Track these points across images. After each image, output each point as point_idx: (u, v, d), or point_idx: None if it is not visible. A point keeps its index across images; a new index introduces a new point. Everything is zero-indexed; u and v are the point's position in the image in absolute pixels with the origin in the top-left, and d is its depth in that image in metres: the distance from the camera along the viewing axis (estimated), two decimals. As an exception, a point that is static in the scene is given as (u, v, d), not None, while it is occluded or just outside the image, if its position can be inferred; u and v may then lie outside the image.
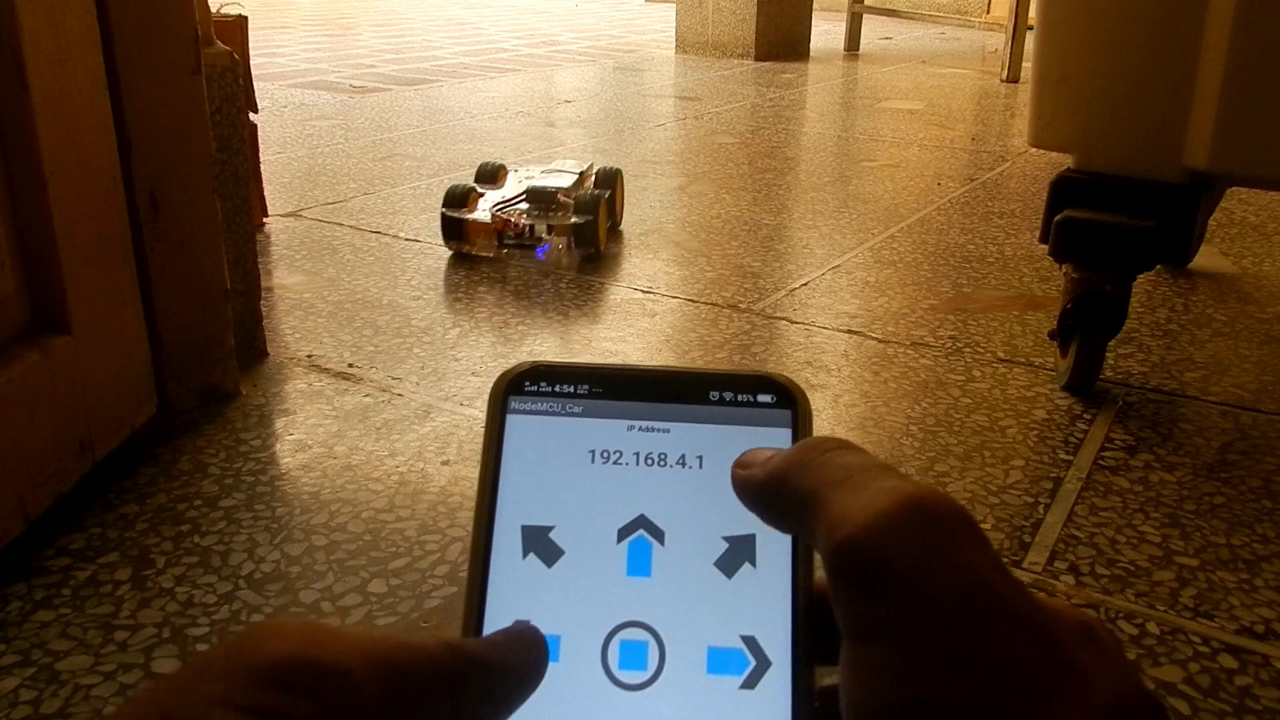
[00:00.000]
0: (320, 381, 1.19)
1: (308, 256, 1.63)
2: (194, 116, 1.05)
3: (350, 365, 1.24)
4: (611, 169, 1.79)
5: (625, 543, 0.26)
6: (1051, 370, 1.26)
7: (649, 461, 0.27)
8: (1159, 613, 0.82)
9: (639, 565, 0.26)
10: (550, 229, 1.59)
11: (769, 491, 0.24)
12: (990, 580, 0.20)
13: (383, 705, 0.21)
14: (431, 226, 1.80)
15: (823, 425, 1.12)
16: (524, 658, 0.24)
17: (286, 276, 1.53)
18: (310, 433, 1.07)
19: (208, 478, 0.98)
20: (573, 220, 1.57)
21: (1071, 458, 1.06)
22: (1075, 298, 1.15)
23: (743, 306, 1.45)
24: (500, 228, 1.60)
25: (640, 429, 0.28)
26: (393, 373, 1.22)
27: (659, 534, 0.26)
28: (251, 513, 0.93)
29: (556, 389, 0.28)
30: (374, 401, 1.14)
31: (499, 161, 1.84)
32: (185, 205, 1.05)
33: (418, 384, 1.19)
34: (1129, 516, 0.95)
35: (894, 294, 1.53)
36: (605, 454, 0.27)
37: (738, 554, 0.26)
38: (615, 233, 1.79)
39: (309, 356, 1.26)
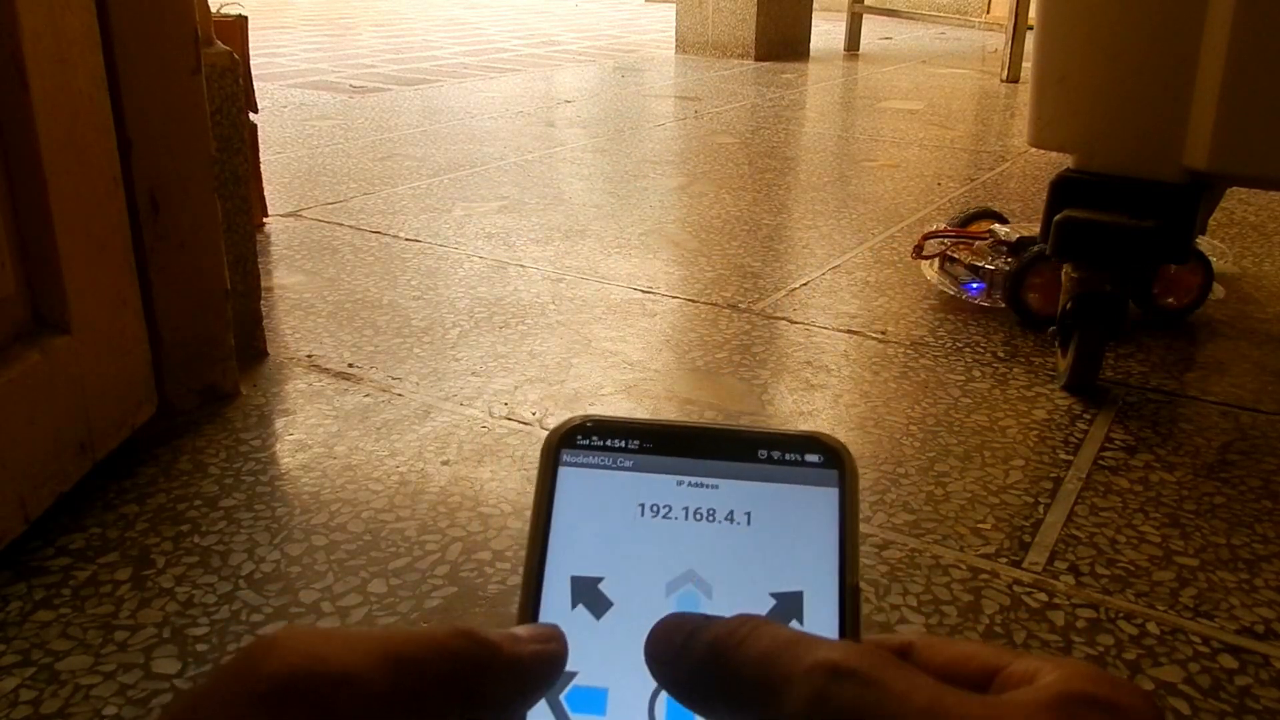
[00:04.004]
0: (320, 381, 1.19)
1: (308, 256, 1.63)
2: (194, 116, 1.05)
3: (350, 365, 1.24)
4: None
5: (674, 596, 0.26)
6: (1051, 370, 1.26)
7: (698, 517, 0.27)
8: (1159, 613, 0.82)
9: None
10: (993, 273, 1.45)
11: (707, 665, 0.23)
12: (939, 699, 0.20)
13: (395, 703, 0.21)
14: (431, 226, 1.80)
15: (823, 425, 1.12)
16: (543, 647, 0.24)
17: (286, 276, 1.53)
18: (310, 433, 1.07)
19: (208, 478, 0.98)
20: (1003, 269, 1.43)
21: (1071, 458, 1.06)
22: (1075, 298, 1.15)
23: (743, 306, 1.45)
24: (944, 252, 1.53)
25: (690, 484, 0.28)
26: (393, 373, 1.22)
27: (707, 589, 0.27)
28: (251, 513, 0.93)
29: (608, 443, 0.28)
30: (374, 401, 1.14)
31: None
32: (185, 205, 1.06)
33: (418, 384, 1.19)
34: (1129, 516, 0.95)
35: (894, 294, 1.53)
36: (655, 508, 0.28)
37: (785, 610, 0.26)
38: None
39: (309, 356, 1.26)
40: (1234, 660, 0.77)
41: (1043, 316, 1.37)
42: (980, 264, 1.47)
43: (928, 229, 1.61)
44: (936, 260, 1.55)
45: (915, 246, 1.56)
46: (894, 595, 0.83)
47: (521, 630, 0.25)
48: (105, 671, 0.73)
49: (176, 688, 0.72)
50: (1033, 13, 1.48)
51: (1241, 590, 0.85)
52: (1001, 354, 1.31)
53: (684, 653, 0.23)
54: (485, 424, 1.10)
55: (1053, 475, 1.02)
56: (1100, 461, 1.05)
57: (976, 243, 1.52)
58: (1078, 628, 0.80)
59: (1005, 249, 1.46)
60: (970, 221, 1.60)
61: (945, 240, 1.54)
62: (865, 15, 4.77)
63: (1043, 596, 0.84)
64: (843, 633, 0.26)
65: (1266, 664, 0.77)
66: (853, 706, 0.20)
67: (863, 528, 0.92)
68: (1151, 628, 0.80)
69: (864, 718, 0.20)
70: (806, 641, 0.22)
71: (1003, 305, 1.43)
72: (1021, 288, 1.39)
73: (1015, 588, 0.85)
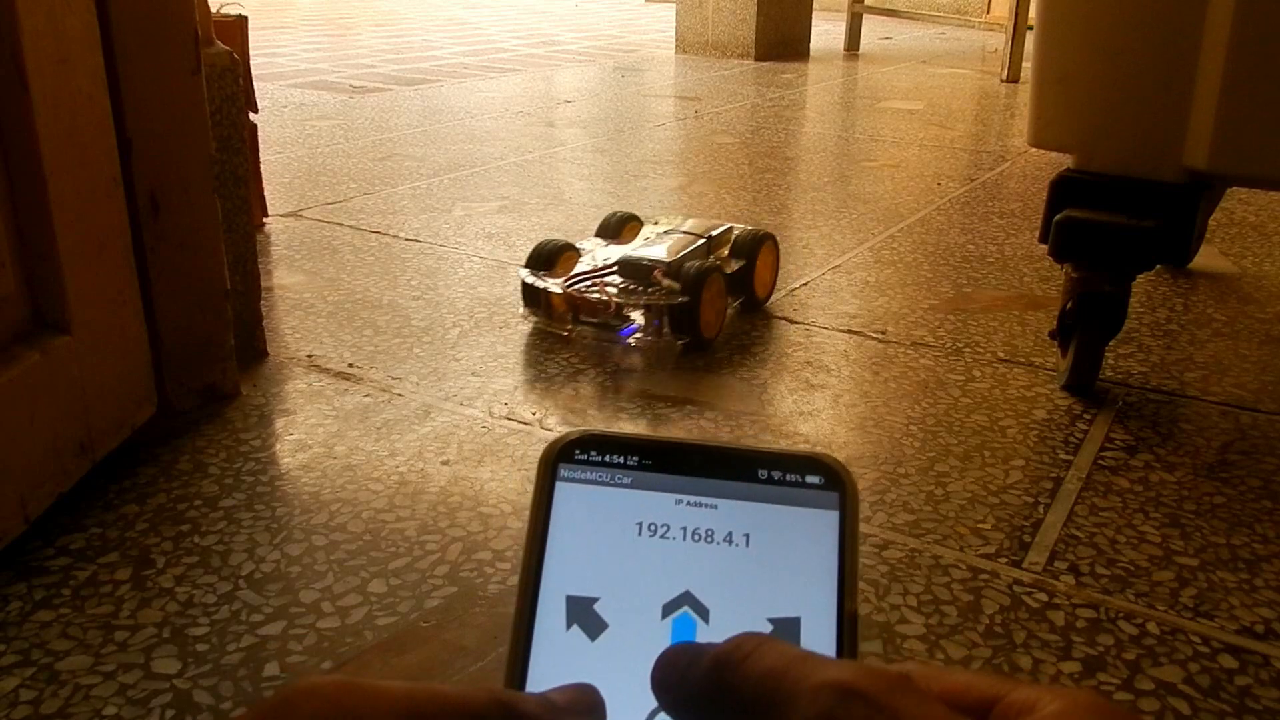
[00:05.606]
0: (320, 381, 1.19)
1: (308, 256, 1.63)
2: (194, 116, 1.05)
3: (350, 365, 1.24)
4: (759, 234, 1.43)
5: (670, 619, 0.26)
6: (1051, 370, 1.26)
7: (695, 537, 0.27)
8: (1159, 613, 0.82)
9: None
10: (645, 308, 1.29)
11: (712, 682, 0.23)
12: None
13: None
14: (431, 226, 1.80)
15: (823, 425, 1.12)
16: None
17: (286, 276, 1.53)
18: (310, 433, 1.07)
19: (208, 478, 0.98)
20: (669, 300, 1.26)
21: (1071, 458, 1.06)
22: (1075, 298, 1.15)
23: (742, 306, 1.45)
24: (576, 304, 1.31)
25: (688, 504, 0.27)
26: (393, 373, 1.22)
27: (704, 612, 0.26)
28: (251, 513, 0.93)
29: (606, 459, 0.28)
30: (374, 401, 1.14)
31: (628, 212, 1.53)
32: (185, 205, 1.05)
33: (418, 384, 1.19)
34: (1129, 516, 0.95)
35: (894, 294, 1.53)
36: (653, 527, 0.27)
37: (782, 636, 0.26)
38: (756, 310, 1.44)
39: (309, 356, 1.26)
40: (1234, 660, 0.77)
41: None
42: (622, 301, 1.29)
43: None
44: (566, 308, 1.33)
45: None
46: (894, 595, 0.83)
47: (558, 696, 0.24)
48: (105, 671, 0.73)
49: (176, 688, 0.72)
50: (1033, 13, 1.48)
51: (1241, 590, 0.85)
52: (1002, 354, 1.31)
53: (688, 673, 0.23)
54: (485, 424, 1.10)
55: (1053, 475, 1.02)
56: (1100, 461, 1.05)
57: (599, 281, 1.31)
58: (1078, 628, 0.80)
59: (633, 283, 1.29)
60: (624, 225, 1.50)
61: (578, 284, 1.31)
62: (865, 15, 4.77)
63: (1043, 596, 0.84)
64: (840, 659, 0.25)
65: (1266, 664, 0.77)
66: None
67: (863, 528, 0.92)
68: (1151, 628, 0.80)
69: None
70: (814, 660, 0.22)
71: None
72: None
73: (1015, 588, 0.85)
